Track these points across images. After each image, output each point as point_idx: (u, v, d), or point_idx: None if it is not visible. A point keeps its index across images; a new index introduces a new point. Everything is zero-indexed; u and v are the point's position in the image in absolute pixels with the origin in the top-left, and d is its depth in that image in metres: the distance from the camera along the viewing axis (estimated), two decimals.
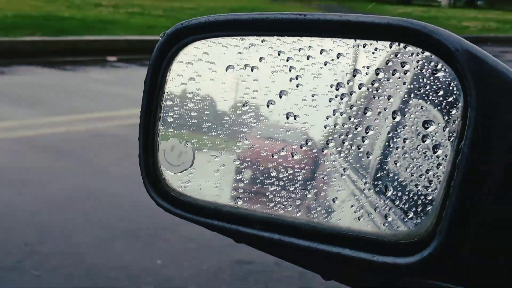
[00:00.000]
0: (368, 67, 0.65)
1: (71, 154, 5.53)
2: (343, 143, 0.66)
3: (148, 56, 0.74)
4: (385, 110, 0.64)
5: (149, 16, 17.57)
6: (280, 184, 0.68)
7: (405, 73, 0.63)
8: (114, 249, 3.61)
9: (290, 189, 0.68)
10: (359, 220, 0.65)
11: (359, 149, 0.65)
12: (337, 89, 0.65)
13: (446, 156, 0.58)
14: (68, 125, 6.45)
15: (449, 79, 0.59)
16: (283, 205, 0.68)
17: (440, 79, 0.60)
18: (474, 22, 27.45)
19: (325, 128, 0.66)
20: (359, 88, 0.65)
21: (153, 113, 0.73)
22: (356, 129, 0.65)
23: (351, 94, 0.65)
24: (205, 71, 0.73)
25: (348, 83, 0.65)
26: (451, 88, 0.59)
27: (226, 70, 0.71)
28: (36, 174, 4.88)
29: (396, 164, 0.62)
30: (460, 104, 0.57)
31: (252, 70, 0.69)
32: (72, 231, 3.84)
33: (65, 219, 4.02)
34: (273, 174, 0.68)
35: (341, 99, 0.66)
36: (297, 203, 0.67)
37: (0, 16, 13.87)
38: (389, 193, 0.63)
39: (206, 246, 3.47)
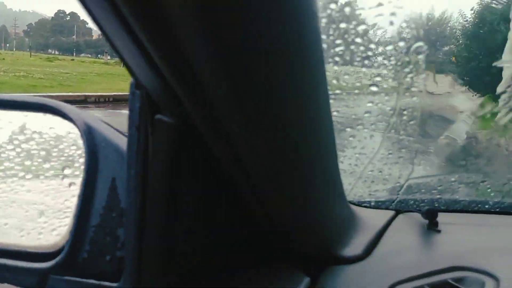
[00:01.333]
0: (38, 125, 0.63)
1: None
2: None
3: None
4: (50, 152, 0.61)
5: (32, 78, 16.18)
6: None
7: (53, 134, 0.61)
8: None
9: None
10: (22, 237, 0.60)
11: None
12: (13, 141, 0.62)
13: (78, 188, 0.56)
14: None
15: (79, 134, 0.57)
16: None
17: (75, 133, 0.58)
18: None
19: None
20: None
21: None
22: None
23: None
24: None
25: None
26: (81, 139, 0.57)
27: None
28: None
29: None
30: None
31: None
32: None
33: None
34: None
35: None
36: None
37: None
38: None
39: None
